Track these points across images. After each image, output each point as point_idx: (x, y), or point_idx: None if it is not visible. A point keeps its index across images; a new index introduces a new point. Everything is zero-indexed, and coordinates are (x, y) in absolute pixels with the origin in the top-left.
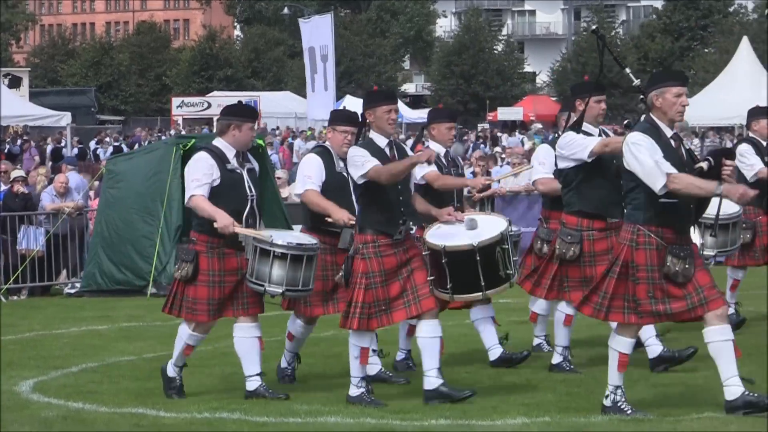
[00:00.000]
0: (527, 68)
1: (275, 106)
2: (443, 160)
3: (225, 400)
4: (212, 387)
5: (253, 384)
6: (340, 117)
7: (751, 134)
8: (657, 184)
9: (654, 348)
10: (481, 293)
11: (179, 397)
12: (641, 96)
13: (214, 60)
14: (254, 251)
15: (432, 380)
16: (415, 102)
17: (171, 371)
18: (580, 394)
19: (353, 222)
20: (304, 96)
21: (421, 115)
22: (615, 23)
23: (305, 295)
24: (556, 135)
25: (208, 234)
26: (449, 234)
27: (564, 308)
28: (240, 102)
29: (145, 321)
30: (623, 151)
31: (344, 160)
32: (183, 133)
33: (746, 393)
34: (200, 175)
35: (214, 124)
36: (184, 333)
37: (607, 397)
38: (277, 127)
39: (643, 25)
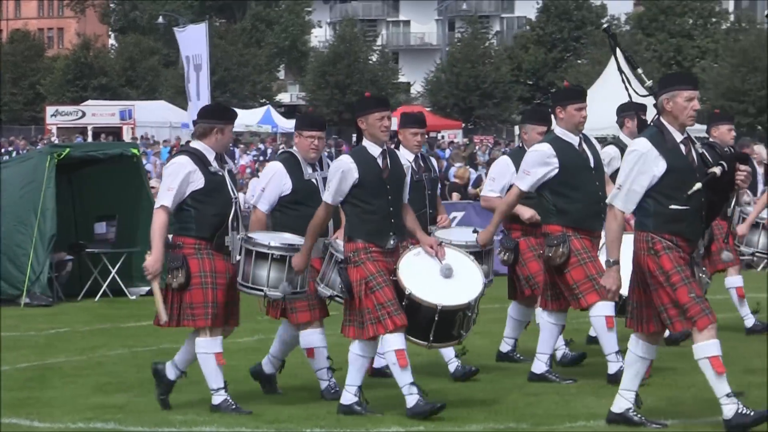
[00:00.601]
0: (401, 78)
1: (150, 115)
2: (413, 165)
3: (99, 410)
4: (86, 397)
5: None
6: (305, 122)
7: (711, 140)
8: (611, 200)
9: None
10: (426, 343)
11: (240, 413)
12: (654, 98)
13: (89, 69)
14: (248, 255)
15: (347, 395)
16: (289, 112)
17: (217, 400)
18: (456, 404)
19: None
20: (179, 105)
21: None
22: (489, 34)
23: (302, 298)
24: (520, 147)
25: (194, 237)
26: (421, 275)
27: (600, 311)
28: (218, 103)
29: (18, 331)
30: (625, 153)
31: (312, 165)
32: (57, 142)
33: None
34: (175, 183)
35: (89, 132)
36: (204, 344)
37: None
38: (152, 136)
39: (517, 36)
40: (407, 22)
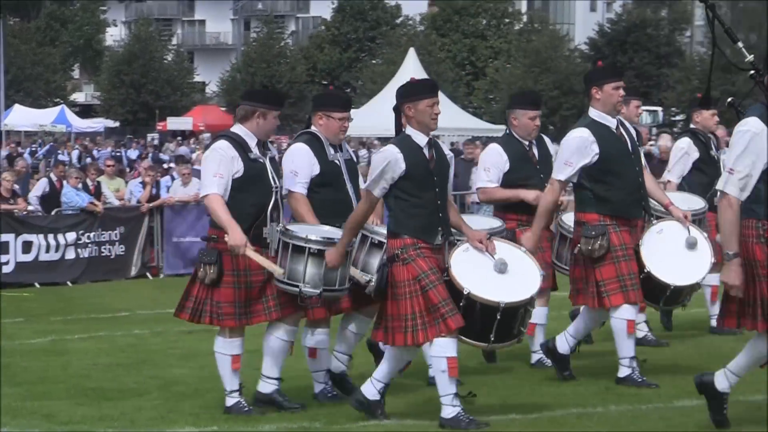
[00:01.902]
0: (197, 78)
1: None
2: (352, 155)
3: None
4: None
5: (267, 387)
6: (335, 102)
7: (692, 125)
8: (723, 186)
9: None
10: (486, 344)
11: (250, 414)
12: (751, 74)
13: None
14: (285, 248)
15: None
16: (84, 111)
17: (231, 401)
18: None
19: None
20: None
21: (90, 124)
22: (284, 34)
23: (341, 296)
24: (509, 134)
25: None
26: (475, 272)
27: (623, 314)
28: (265, 86)
29: None
30: (733, 133)
31: (334, 146)
32: None
33: None
34: (222, 168)
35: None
36: (224, 345)
37: None
38: None
39: (312, 36)
40: (202, 22)
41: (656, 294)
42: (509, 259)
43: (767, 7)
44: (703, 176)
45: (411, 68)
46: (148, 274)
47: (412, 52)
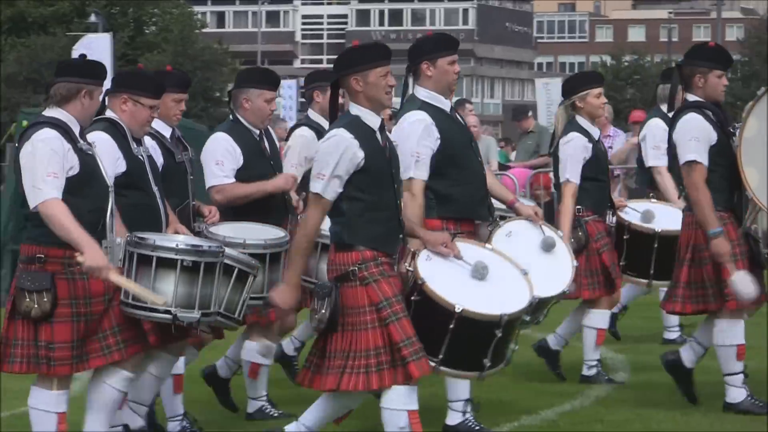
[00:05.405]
0: None
1: None
2: (170, 142)
3: None
4: None
5: None
6: (146, 85)
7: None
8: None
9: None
10: (478, 373)
11: None
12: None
13: None
14: (144, 264)
15: None
16: None
17: None
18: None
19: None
20: None
21: None
22: None
23: (230, 323)
24: (234, 120)
25: (63, 246)
26: (455, 283)
27: None
28: (84, 55)
29: None
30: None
31: (136, 140)
32: None
33: None
34: (54, 165)
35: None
36: (49, 400)
37: None
38: None
39: None
40: None
41: None
42: (488, 260)
43: None
44: None
45: None
46: None
47: None
